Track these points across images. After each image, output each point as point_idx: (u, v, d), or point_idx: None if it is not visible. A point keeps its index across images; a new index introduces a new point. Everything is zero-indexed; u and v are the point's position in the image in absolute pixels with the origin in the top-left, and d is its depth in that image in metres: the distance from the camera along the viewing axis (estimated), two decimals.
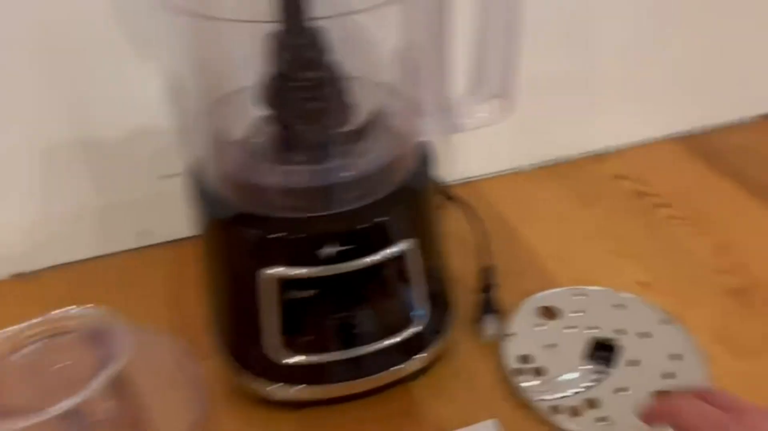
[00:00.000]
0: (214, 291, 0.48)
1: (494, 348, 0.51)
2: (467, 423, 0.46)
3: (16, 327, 0.40)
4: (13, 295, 0.59)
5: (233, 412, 0.48)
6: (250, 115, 0.44)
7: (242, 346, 0.46)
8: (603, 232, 0.63)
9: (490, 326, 0.51)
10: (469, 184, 0.69)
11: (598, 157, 0.73)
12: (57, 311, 0.41)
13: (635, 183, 0.69)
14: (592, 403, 0.46)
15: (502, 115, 0.48)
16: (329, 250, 0.41)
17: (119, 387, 0.40)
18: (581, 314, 0.53)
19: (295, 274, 0.41)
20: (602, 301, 0.54)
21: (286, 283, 0.42)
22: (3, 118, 0.54)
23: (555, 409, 0.46)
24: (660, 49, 0.69)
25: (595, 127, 0.72)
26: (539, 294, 0.55)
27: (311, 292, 0.42)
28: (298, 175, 0.42)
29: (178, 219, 0.61)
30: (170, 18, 0.42)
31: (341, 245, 0.41)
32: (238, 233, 0.42)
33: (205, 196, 0.44)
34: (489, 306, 0.53)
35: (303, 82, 0.41)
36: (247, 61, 0.44)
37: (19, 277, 0.60)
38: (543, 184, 0.69)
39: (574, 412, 0.46)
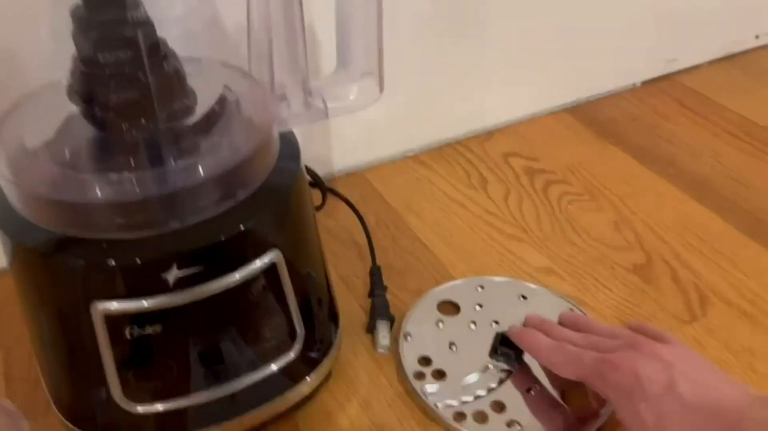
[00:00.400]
0: (36, 335, 0.39)
1: (392, 356, 0.46)
2: None
3: None
4: None
5: None
6: (62, 116, 0.35)
7: (79, 398, 0.37)
8: (497, 216, 0.58)
9: (383, 334, 0.46)
10: (352, 175, 0.63)
11: (486, 136, 0.68)
12: None
13: (526, 160, 0.65)
14: (500, 406, 0.41)
15: (371, 97, 0.42)
16: (175, 274, 0.33)
17: None
18: (482, 308, 0.48)
19: (136, 308, 0.33)
20: (503, 293, 0.49)
21: (121, 319, 0.34)
22: None
23: (461, 416, 0.41)
24: (538, 23, 0.66)
25: (479, 105, 0.68)
26: (435, 290, 0.50)
27: (158, 327, 0.34)
28: (126, 184, 0.34)
29: None
30: None
31: (190, 267, 0.33)
32: (55, 263, 0.33)
33: (11, 220, 0.35)
34: (379, 311, 0.47)
35: (115, 67, 0.33)
36: (53, 46, 0.35)
37: None
38: (431, 169, 0.64)
39: (482, 418, 0.41)
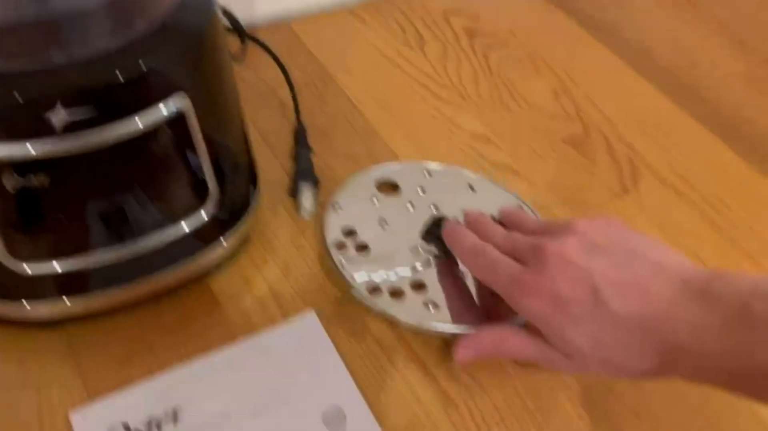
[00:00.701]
0: None
1: (315, 222, 0.43)
2: (284, 315, 0.38)
3: None
4: None
5: None
6: None
7: None
8: (434, 79, 0.54)
9: (306, 196, 0.42)
10: (277, 24, 0.57)
11: None
12: None
13: (467, 19, 0.60)
14: (419, 286, 0.39)
15: None
16: (62, 117, 0.28)
17: None
18: (424, 193, 0.44)
19: (15, 154, 0.28)
20: (451, 181, 0.45)
21: (4, 167, 0.29)
22: None
23: (376, 290, 0.38)
24: None
25: None
26: (377, 167, 0.45)
27: (44, 178, 0.29)
28: (8, 3, 0.28)
29: None
30: None
31: (79, 107, 0.28)
32: None
33: None
34: (304, 174, 0.43)
35: None
36: None
37: None
38: (365, 23, 0.59)
39: (398, 294, 0.38)
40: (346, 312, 0.39)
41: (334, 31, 0.58)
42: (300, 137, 0.45)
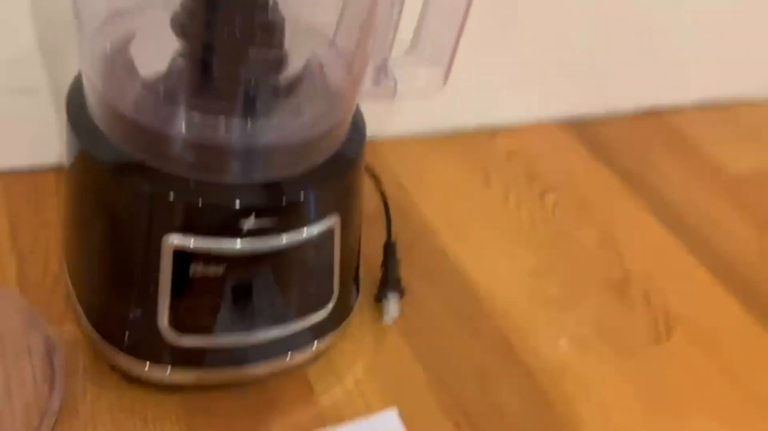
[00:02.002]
0: (82, 247, 0.39)
1: (395, 326, 0.49)
2: (368, 412, 0.43)
3: None
4: None
5: (98, 391, 0.41)
6: (163, 42, 0.36)
7: (116, 317, 0.39)
8: (497, 211, 0.62)
9: (393, 305, 0.49)
10: (372, 143, 0.64)
11: (492, 131, 0.72)
12: None
13: (527, 163, 0.69)
14: None
15: (436, 86, 0.45)
16: (251, 223, 0.34)
17: None
18: None
19: (207, 248, 0.35)
20: None
21: (190, 257, 0.35)
22: None
23: None
24: (562, 37, 0.69)
25: (492, 101, 0.71)
26: None
27: (220, 269, 0.35)
28: (217, 128, 0.35)
29: (20, 145, 0.51)
30: None
31: (266, 218, 0.35)
32: (134, 188, 0.34)
33: (85, 130, 0.35)
34: (392, 284, 0.49)
35: (234, 13, 0.34)
36: None
37: None
38: (439, 153, 0.67)
39: None
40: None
41: (414, 157, 0.66)
42: (390, 250, 0.52)
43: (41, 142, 0.51)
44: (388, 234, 0.53)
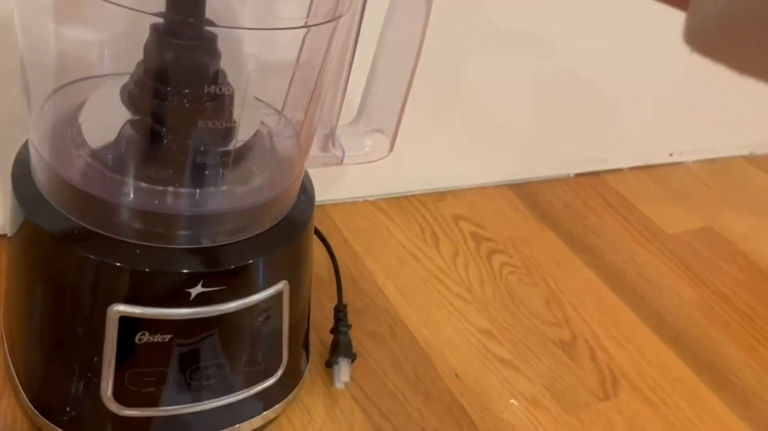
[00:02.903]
0: (24, 319, 0.38)
1: (347, 392, 0.48)
2: None
3: None
4: None
5: None
6: (112, 113, 0.36)
7: (57, 390, 0.37)
8: (446, 273, 0.63)
9: (344, 370, 0.48)
10: (318, 207, 0.65)
11: (440, 196, 0.74)
12: None
13: (474, 226, 0.71)
14: None
15: (380, 153, 0.46)
16: (198, 290, 0.34)
17: None
18: None
19: (154, 315, 0.34)
20: None
21: (136, 324, 0.35)
22: None
23: None
24: (500, 104, 0.73)
25: (436, 166, 0.73)
26: None
27: (167, 337, 0.35)
28: (166, 196, 0.35)
29: None
30: None
31: (215, 286, 0.35)
32: (80, 257, 0.34)
33: (30, 198, 0.35)
34: (344, 349, 0.49)
35: (184, 86, 0.35)
36: (118, 47, 0.36)
37: None
38: (389, 218, 0.68)
39: None
40: None
41: (364, 220, 0.67)
42: (341, 315, 0.52)
43: None
44: (339, 298, 0.54)
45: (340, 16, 0.36)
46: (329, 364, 0.49)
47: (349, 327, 0.51)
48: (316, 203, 0.65)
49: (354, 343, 0.52)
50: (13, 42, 0.36)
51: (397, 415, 0.49)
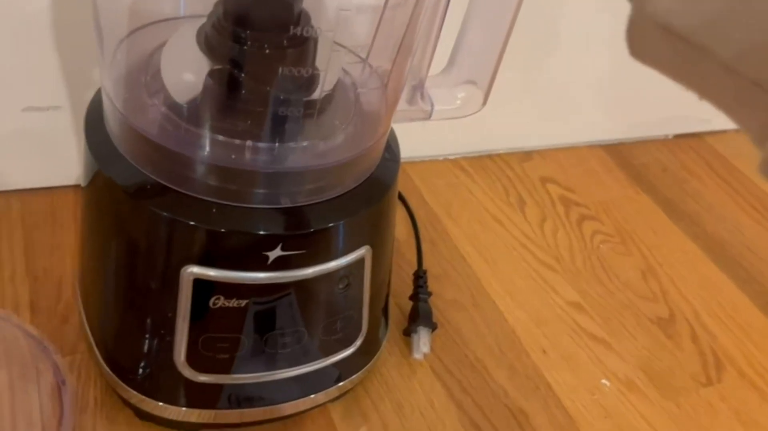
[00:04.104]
0: (97, 275, 0.37)
1: (426, 362, 0.46)
2: None
3: None
4: None
5: (109, 428, 0.38)
6: (187, 59, 0.33)
7: (132, 352, 0.36)
8: (533, 240, 0.59)
9: (424, 341, 0.45)
10: None
11: (525, 155, 0.69)
12: None
13: (563, 189, 0.66)
14: None
15: (473, 107, 0.42)
16: (277, 254, 0.32)
17: None
18: None
19: (227, 278, 0.32)
20: None
21: (211, 287, 0.32)
22: None
23: None
24: (591, 61, 0.67)
25: (523, 125, 0.68)
26: None
27: (243, 302, 0.33)
28: (244, 151, 0.32)
29: (40, 163, 0.49)
30: None
31: (291, 249, 0.32)
32: (152, 214, 0.32)
33: (103, 151, 0.33)
34: (424, 318, 0.46)
35: (265, 28, 0.32)
36: None
37: None
38: (471, 177, 0.64)
39: None
40: None
41: (443, 179, 0.63)
42: (421, 282, 0.49)
43: (59, 161, 0.49)
44: (419, 263, 0.50)
45: None
46: (407, 333, 0.46)
47: (429, 294, 0.48)
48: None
49: (434, 311, 0.49)
50: None
51: (479, 390, 0.46)
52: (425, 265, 0.52)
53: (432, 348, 0.47)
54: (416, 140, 0.63)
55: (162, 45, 0.34)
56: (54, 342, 0.40)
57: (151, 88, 0.34)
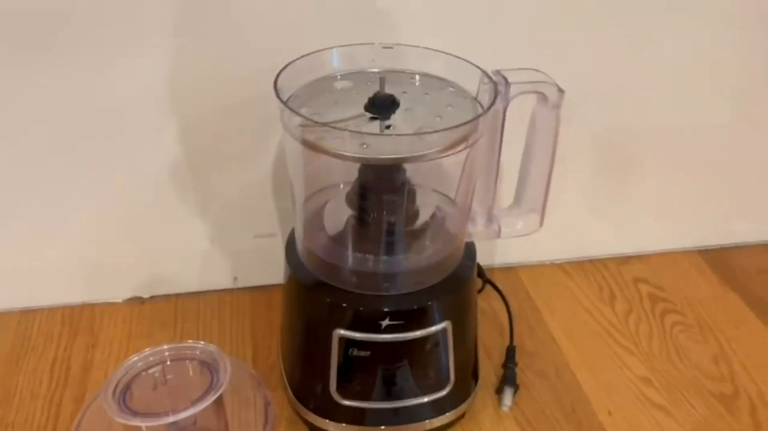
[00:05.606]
0: (288, 337, 0.61)
1: (510, 414, 0.62)
2: None
3: (150, 349, 0.54)
4: (126, 316, 0.73)
5: None
6: (339, 210, 0.57)
7: (305, 385, 0.58)
8: (617, 328, 0.73)
9: (507, 396, 0.63)
10: (507, 270, 0.81)
11: (623, 260, 0.83)
12: (181, 342, 0.54)
13: (653, 287, 0.79)
14: None
15: (533, 228, 0.60)
16: (386, 323, 0.53)
17: (215, 403, 0.53)
18: None
19: (358, 337, 0.54)
20: None
21: (349, 343, 0.54)
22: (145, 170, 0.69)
23: None
24: (689, 172, 0.79)
25: (623, 233, 0.83)
26: None
27: (368, 352, 0.54)
28: (369, 262, 0.55)
29: (263, 270, 0.76)
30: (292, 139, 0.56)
31: (395, 320, 0.53)
32: (318, 299, 0.55)
33: (294, 263, 0.57)
34: (509, 380, 0.64)
35: (381, 194, 0.54)
36: (343, 170, 0.58)
37: (133, 301, 0.75)
38: (571, 278, 0.80)
39: None
40: None
41: (547, 280, 0.80)
42: (510, 353, 0.66)
43: (273, 268, 0.76)
44: (510, 340, 0.68)
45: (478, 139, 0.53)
46: (498, 391, 0.64)
47: (516, 364, 0.65)
48: (508, 265, 0.81)
49: (521, 377, 0.65)
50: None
51: None
52: (521, 344, 0.69)
53: (518, 404, 0.63)
54: (527, 248, 0.81)
55: (327, 202, 0.59)
56: (264, 380, 0.64)
57: (319, 226, 0.58)
